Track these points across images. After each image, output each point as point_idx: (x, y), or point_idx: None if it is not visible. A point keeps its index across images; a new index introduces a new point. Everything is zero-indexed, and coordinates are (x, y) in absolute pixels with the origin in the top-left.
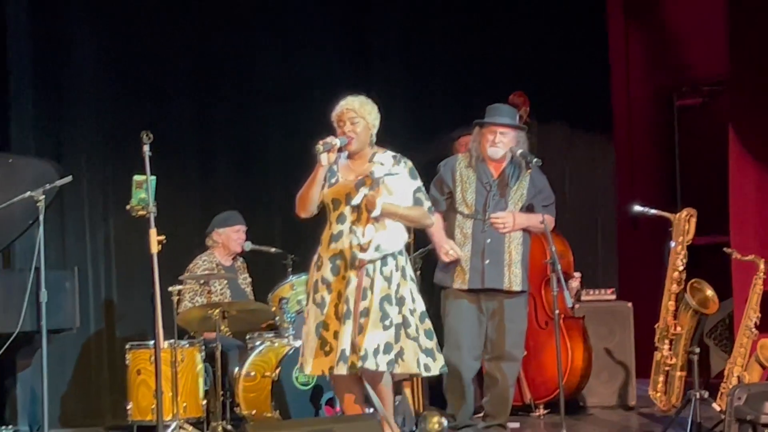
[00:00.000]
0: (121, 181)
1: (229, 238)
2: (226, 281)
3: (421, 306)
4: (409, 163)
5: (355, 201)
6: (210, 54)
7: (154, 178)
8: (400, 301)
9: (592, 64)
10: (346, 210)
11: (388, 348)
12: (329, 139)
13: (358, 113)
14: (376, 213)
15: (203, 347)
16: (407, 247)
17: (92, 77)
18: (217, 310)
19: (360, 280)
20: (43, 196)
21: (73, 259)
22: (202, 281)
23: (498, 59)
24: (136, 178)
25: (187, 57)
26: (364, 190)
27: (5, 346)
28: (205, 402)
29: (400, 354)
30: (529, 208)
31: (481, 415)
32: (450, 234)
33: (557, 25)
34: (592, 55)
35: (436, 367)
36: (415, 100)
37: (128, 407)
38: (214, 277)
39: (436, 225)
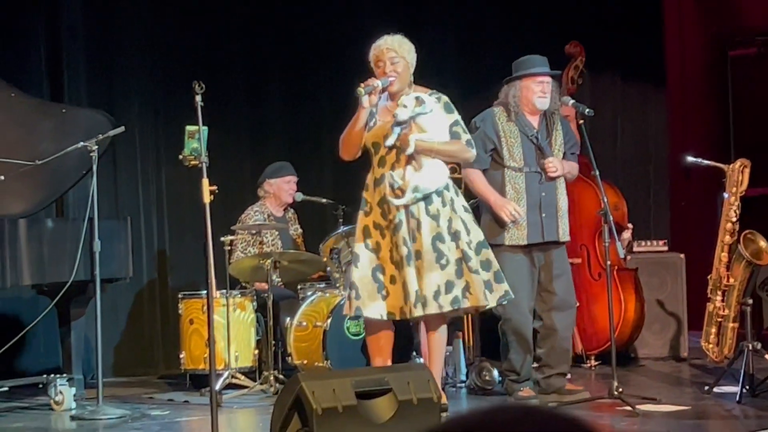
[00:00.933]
0: (173, 131)
1: (281, 188)
2: (277, 232)
3: (477, 236)
4: (444, 98)
5: (389, 142)
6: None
7: (206, 128)
8: (455, 236)
9: (645, 14)
10: (386, 153)
11: (449, 287)
12: (371, 81)
13: (399, 53)
14: (409, 150)
15: (255, 297)
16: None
17: (144, 27)
18: (269, 261)
19: (408, 223)
20: (96, 147)
21: (126, 209)
22: (253, 232)
23: (550, 9)
24: (189, 128)
25: (239, 4)
26: (398, 130)
27: (59, 295)
28: (256, 352)
29: (466, 289)
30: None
31: (537, 366)
32: (499, 191)
33: None
34: (645, 5)
35: (494, 298)
36: (466, 51)
37: (181, 356)
38: (265, 227)
39: (484, 182)
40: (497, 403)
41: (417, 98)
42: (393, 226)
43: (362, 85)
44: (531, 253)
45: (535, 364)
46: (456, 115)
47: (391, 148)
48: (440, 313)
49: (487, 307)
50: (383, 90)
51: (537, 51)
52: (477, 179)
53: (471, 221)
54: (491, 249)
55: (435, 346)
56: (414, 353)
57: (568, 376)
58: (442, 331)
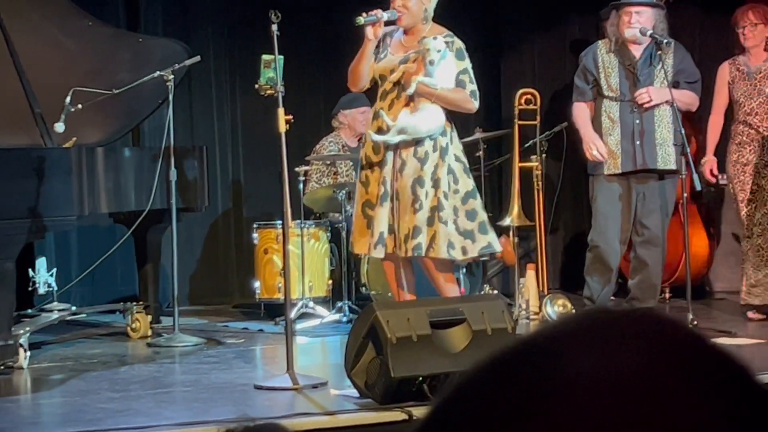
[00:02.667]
0: (249, 60)
1: (355, 119)
2: (351, 162)
3: (466, 186)
4: (458, 43)
5: (393, 77)
6: None
7: (281, 57)
8: (436, 183)
9: None
10: (389, 87)
11: (416, 232)
12: (374, 12)
13: None
14: (410, 91)
15: (329, 227)
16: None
17: None
18: (343, 191)
19: (394, 162)
20: (172, 76)
21: (201, 139)
22: (328, 162)
23: None
24: (265, 57)
25: None
26: (404, 68)
27: (136, 224)
28: (330, 282)
29: (432, 238)
30: (674, 86)
31: (627, 298)
32: (597, 120)
33: None
34: None
35: (475, 248)
36: None
37: (255, 286)
38: (340, 158)
39: (582, 117)
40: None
41: (446, 42)
42: (380, 161)
43: (363, 14)
44: (629, 183)
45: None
46: (466, 63)
47: (395, 84)
48: (405, 257)
49: (463, 258)
50: (389, 23)
51: None
52: (576, 113)
53: (461, 170)
54: (594, 177)
55: (441, 287)
56: None
57: None
58: (444, 271)
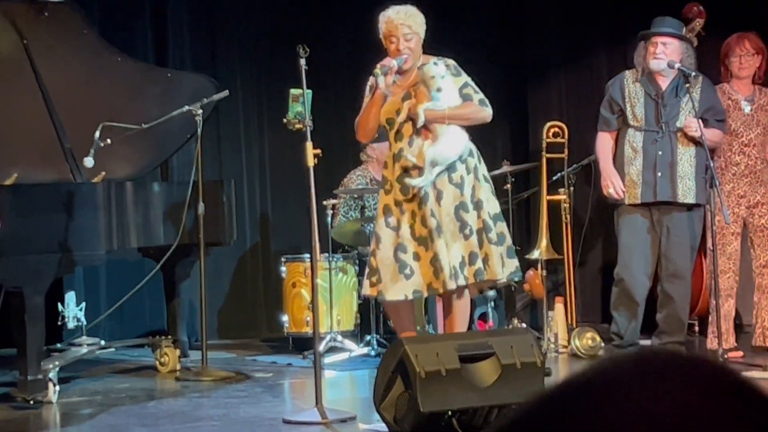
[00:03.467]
0: (277, 94)
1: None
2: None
3: (495, 207)
4: (451, 62)
5: (401, 117)
6: None
7: (310, 91)
8: (478, 205)
9: None
10: (401, 126)
11: (473, 258)
12: (386, 62)
13: (412, 28)
14: (420, 122)
15: (357, 261)
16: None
17: None
18: (371, 225)
19: (433, 195)
20: (201, 111)
21: (230, 173)
22: (356, 196)
23: None
24: (293, 91)
25: None
26: (408, 104)
27: (165, 258)
28: (358, 315)
29: (485, 261)
30: (703, 123)
31: (655, 332)
32: (621, 149)
33: None
34: None
35: (504, 273)
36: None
37: (283, 319)
38: (368, 191)
39: (604, 149)
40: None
41: (436, 63)
42: (418, 200)
43: (379, 66)
44: (652, 215)
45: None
46: (464, 77)
47: (406, 122)
48: (467, 285)
49: (499, 282)
50: (399, 71)
51: (658, 11)
52: (599, 144)
53: (490, 191)
54: (618, 207)
55: (459, 311)
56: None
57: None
58: (466, 295)
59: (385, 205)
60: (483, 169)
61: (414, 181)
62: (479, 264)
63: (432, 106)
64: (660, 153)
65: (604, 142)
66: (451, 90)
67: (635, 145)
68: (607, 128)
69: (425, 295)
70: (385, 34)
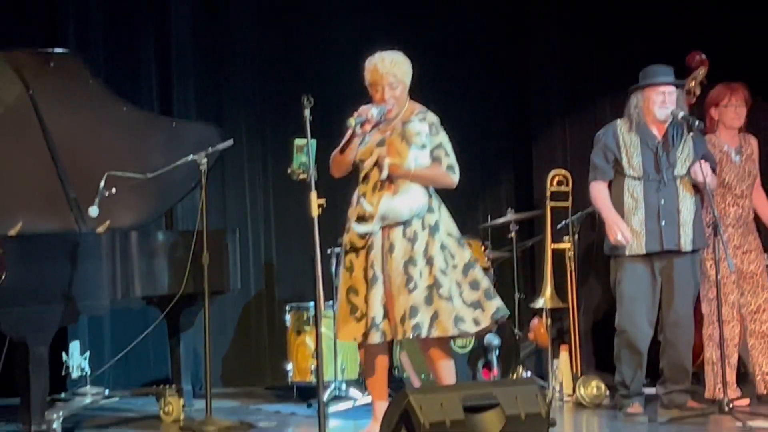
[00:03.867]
0: (281, 144)
1: None
2: None
3: (463, 259)
4: (431, 118)
5: (369, 161)
6: (370, 14)
7: (314, 141)
8: (429, 261)
9: (762, 26)
10: (370, 171)
11: (413, 312)
12: (363, 111)
13: (398, 77)
14: (383, 175)
15: None
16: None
17: (252, 41)
18: None
19: (382, 244)
20: (205, 160)
21: (234, 222)
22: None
23: (672, 16)
24: (297, 141)
25: (348, 18)
26: (379, 151)
27: (169, 307)
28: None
29: (434, 317)
30: None
31: (659, 380)
32: (618, 199)
33: None
34: (761, 17)
35: (487, 316)
36: (575, 61)
37: (288, 368)
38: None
39: (603, 197)
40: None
41: (422, 119)
42: (368, 245)
43: (355, 114)
44: (652, 263)
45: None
46: (441, 138)
47: (373, 166)
48: (404, 337)
49: (477, 329)
50: (378, 121)
51: (654, 61)
52: (596, 193)
53: (455, 244)
54: (617, 259)
55: (440, 367)
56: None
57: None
58: (446, 353)
59: (345, 245)
60: (445, 224)
61: (359, 228)
62: (419, 319)
63: (398, 163)
64: (663, 202)
65: (602, 191)
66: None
67: (636, 195)
68: (602, 178)
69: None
70: (370, 82)
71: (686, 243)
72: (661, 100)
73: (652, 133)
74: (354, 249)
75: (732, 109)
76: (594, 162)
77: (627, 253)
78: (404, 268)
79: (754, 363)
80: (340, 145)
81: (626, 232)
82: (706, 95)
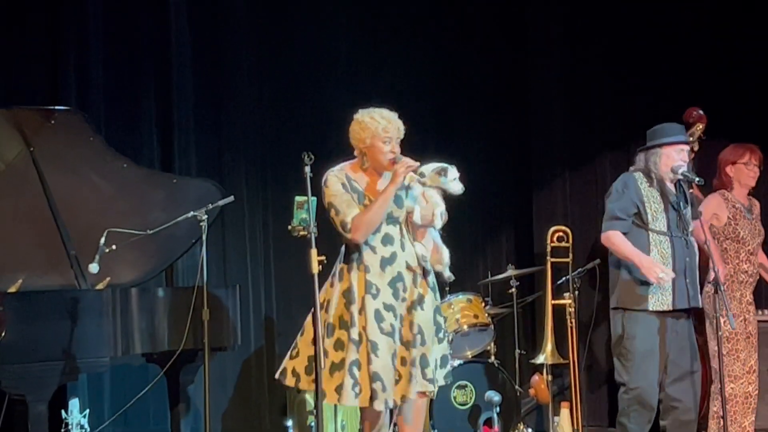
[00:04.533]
0: (281, 200)
1: None
2: None
3: None
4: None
5: (401, 217)
6: (371, 69)
7: (314, 198)
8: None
9: (759, 80)
10: (390, 229)
11: (444, 361)
12: (412, 164)
13: (401, 134)
14: (417, 221)
15: None
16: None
17: (252, 98)
18: None
19: (419, 299)
20: (206, 216)
21: (234, 278)
22: None
23: (668, 74)
24: (298, 198)
25: (348, 74)
26: (407, 203)
27: (169, 363)
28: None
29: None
30: None
31: None
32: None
33: (731, 40)
34: (758, 72)
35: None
36: (577, 118)
37: (288, 425)
38: None
39: (627, 243)
40: None
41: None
42: (411, 303)
43: (415, 164)
44: (666, 320)
45: None
46: None
47: (395, 223)
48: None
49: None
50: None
51: (648, 118)
52: (621, 241)
53: None
54: (629, 313)
55: (420, 410)
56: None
57: None
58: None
59: (376, 311)
60: None
61: (444, 270)
62: (448, 367)
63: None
64: (688, 259)
65: (624, 239)
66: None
67: (664, 251)
68: (620, 228)
69: (400, 402)
70: (380, 133)
71: (696, 300)
72: (681, 158)
73: (671, 190)
74: (391, 310)
75: (750, 169)
76: (614, 212)
77: (651, 308)
78: (434, 317)
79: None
80: (376, 204)
81: (667, 270)
82: (710, 151)
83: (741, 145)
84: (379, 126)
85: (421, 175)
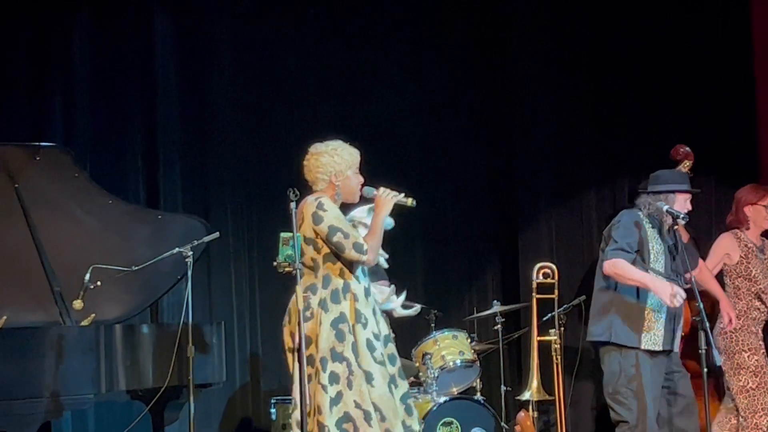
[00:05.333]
0: (267, 236)
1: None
2: None
3: None
4: None
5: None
6: (351, 111)
7: (300, 235)
8: None
9: (738, 115)
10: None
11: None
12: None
13: None
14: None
15: None
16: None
17: (238, 133)
18: None
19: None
20: (191, 252)
21: (220, 314)
22: None
23: (643, 113)
24: (283, 235)
25: (331, 110)
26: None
27: (154, 400)
28: None
29: None
30: None
31: None
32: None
33: (701, 78)
34: (738, 107)
35: None
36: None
37: None
38: None
39: (634, 268)
40: None
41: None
42: (389, 335)
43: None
44: (659, 357)
45: None
46: None
47: None
48: None
49: None
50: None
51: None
52: (628, 266)
53: None
54: (623, 350)
55: None
56: None
57: None
58: None
59: (368, 340)
60: None
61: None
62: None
63: None
64: (678, 305)
65: (629, 264)
66: None
67: None
68: (624, 257)
69: None
70: (355, 163)
71: (676, 346)
72: (687, 207)
73: (667, 236)
74: (380, 339)
75: (766, 208)
76: (621, 243)
77: (642, 346)
78: None
79: None
80: (374, 227)
81: (678, 288)
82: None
83: (761, 186)
84: (353, 158)
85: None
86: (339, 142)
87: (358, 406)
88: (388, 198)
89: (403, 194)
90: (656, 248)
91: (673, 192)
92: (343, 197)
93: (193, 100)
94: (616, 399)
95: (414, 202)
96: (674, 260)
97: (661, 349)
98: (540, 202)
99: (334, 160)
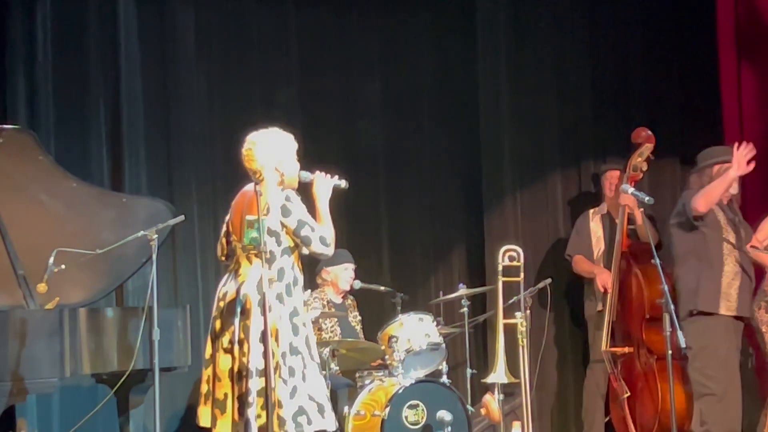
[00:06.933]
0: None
1: (338, 276)
2: (336, 319)
3: None
4: None
5: None
6: (312, 87)
7: (265, 218)
8: None
9: (704, 101)
10: None
11: None
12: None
13: None
14: None
15: None
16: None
17: (204, 116)
18: (328, 348)
19: None
20: (156, 235)
21: (185, 297)
22: (312, 319)
23: (608, 96)
24: (248, 217)
25: (300, 94)
26: None
27: (119, 384)
28: None
29: None
30: None
31: None
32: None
33: (668, 63)
34: (703, 92)
35: None
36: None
37: None
38: (324, 315)
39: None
40: None
41: None
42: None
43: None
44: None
45: None
46: None
47: None
48: None
49: None
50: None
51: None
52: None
53: None
54: (704, 317)
55: None
56: None
57: None
58: None
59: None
60: None
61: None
62: None
63: None
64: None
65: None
66: None
67: (737, 259)
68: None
69: None
70: (295, 150)
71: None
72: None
73: (728, 210)
74: None
75: None
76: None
77: (722, 312)
78: None
79: None
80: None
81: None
82: (657, 171)
83: None
84: (293, 144)
85: None
86: (276, 129)
87: (311, 398)
88: (327, 181)
89: (336, 176)
90: (722, 220)
91: (711, 166)
92: (286, 184)
93: (157, 82)
94: (702, 372)
95: (347, 184)
96: (738, 232)
97: (736, 314)
98: (505, 185)
99: (279, 147)
